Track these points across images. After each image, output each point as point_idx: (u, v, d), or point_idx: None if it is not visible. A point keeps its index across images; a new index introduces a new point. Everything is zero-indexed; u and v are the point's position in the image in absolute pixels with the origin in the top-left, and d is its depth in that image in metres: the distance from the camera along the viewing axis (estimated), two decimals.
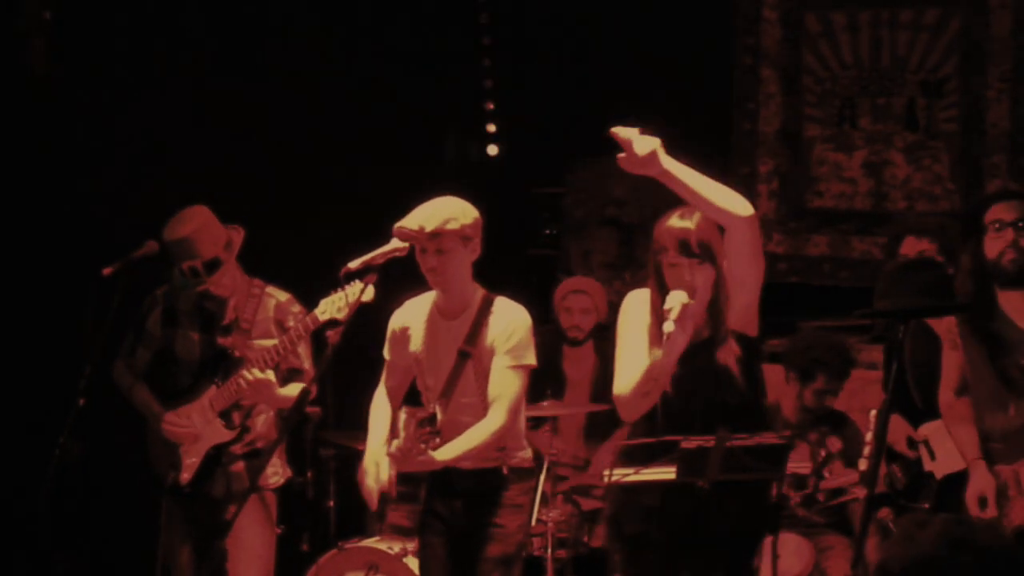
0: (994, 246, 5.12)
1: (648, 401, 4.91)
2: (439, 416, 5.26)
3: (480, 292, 5.45)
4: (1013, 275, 5.13)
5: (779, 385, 7.13)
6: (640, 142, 4.65)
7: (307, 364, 6.08)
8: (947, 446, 5.50)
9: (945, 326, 5.36)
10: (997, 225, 5.11)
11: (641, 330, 5.00)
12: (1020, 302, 5.19)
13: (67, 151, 7.37)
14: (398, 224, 5.22)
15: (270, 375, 5.87)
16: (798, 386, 6.82)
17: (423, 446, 5.15)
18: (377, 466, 5.35)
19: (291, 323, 5.96)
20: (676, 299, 4.78)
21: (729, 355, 4.92)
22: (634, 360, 4.95)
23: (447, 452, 5.25)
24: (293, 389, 5.92)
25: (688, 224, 4.91)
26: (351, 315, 5.18)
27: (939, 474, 5.54)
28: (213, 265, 5.98)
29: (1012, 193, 5.21)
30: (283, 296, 6.15)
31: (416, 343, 5.48)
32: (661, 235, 4.95)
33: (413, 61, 8.24)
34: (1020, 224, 5.09)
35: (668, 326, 4.74)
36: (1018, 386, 5.08)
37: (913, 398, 5.72)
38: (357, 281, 5.23)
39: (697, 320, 4.89)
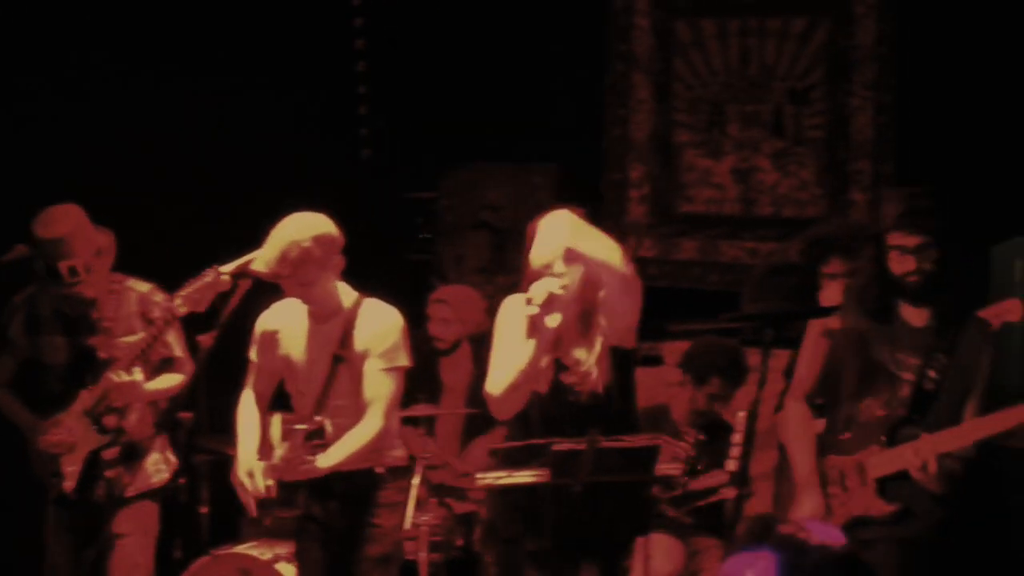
0: (898, 267, 5.11)
1: (519, 397, 4.95)
2: (328, 429, 5.26)
3: (351, 295, 5.46)
4: (915, 290, 5.13)
5: (661, 387, 7.20)
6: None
7: (178, 351, 6.00)
8: None
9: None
10: (899, 251, 5.12)
11: (515, 331, 5.06)
12: (918, 310, 5.21)
13: None
14: (253, 267, 5.22)
15: (136, 375, 5.79)
16: (692, 389, 6.85)
17: (308, 456, 5.16)
18: (251, 476, 5.34)
19: (156, 313, 5.84)
20: (542, 287, 4.89)
21: (603, 366, 4.99)
22: (506, 359, 5.02)
23: (328, 459, 5.26)
24: (165, 380, 5.91)
25: None
26: (210, 304, 5.15)
27: None
28: (89, 267, 5.88)
29: (909, 221, 5.16)
30: (144, 287, 6.04)
31: (288, 347, 5.47)
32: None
33: (287, 65, 8.21)
34: (921, 249, 5.10)
35: (531, 309, 4.81)
36: (888, 376, 5.12)
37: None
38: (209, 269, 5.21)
39: (568, 315, 4.98)
